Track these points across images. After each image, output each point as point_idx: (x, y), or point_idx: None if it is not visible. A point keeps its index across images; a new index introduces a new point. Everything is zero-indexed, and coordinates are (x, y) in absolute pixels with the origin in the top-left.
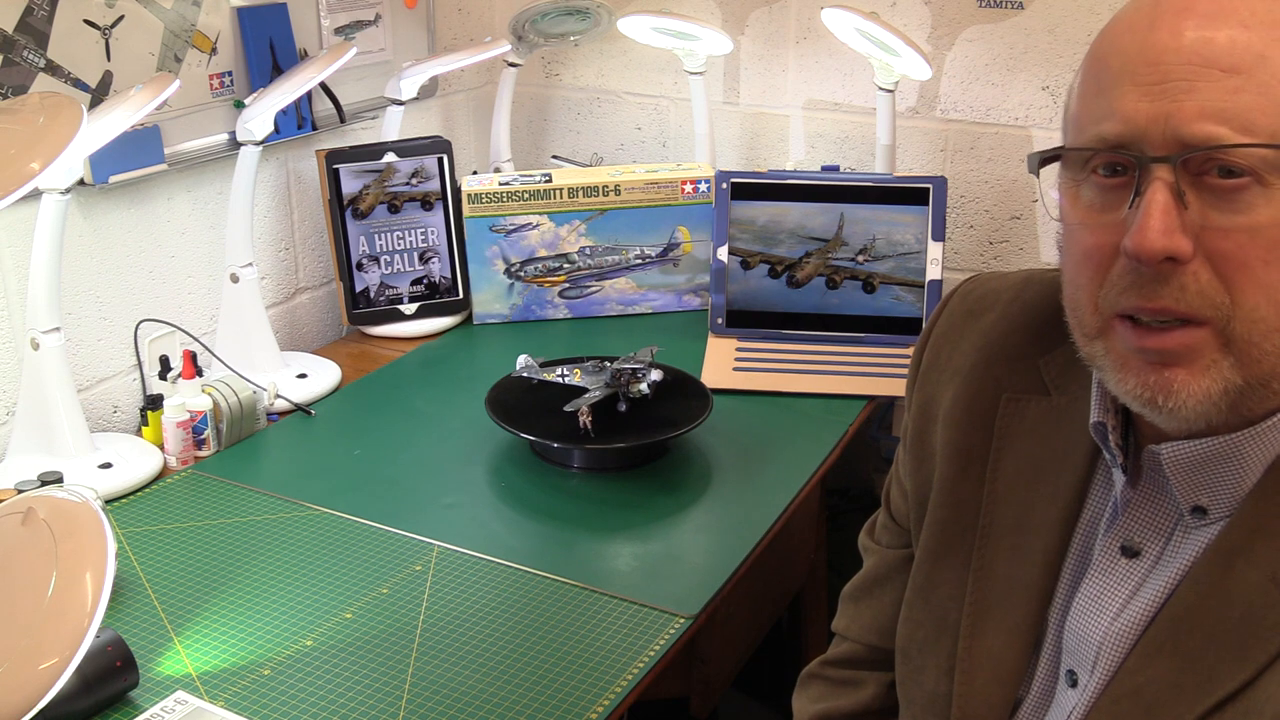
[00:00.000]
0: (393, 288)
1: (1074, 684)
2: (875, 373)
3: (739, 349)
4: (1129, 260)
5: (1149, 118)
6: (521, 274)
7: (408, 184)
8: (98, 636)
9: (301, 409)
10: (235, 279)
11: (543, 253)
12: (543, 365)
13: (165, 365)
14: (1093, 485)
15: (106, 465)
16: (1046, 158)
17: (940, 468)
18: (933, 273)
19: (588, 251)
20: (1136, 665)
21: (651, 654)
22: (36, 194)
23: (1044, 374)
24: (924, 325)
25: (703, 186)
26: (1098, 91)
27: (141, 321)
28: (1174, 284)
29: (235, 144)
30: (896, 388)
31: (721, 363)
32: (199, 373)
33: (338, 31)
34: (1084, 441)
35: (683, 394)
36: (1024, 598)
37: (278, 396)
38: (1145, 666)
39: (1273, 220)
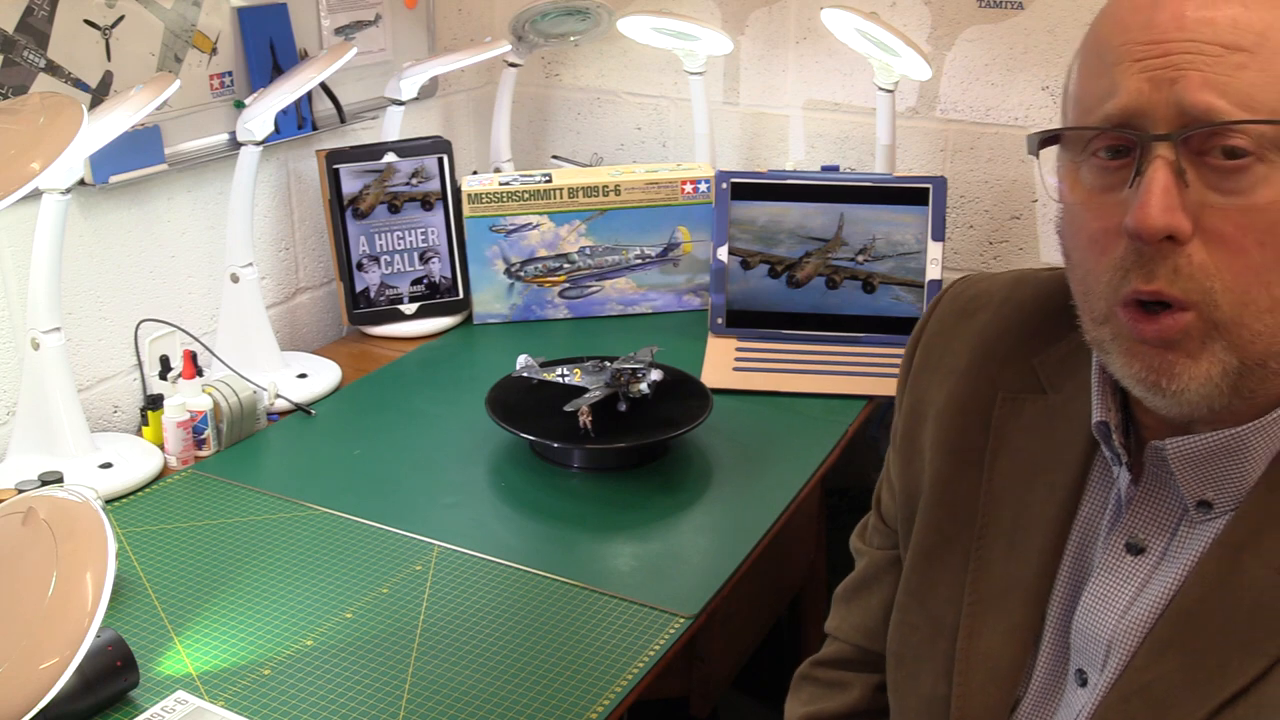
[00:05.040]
0: (393, 288)
1: (1084, 683)
2: (875, 373)
3: (739, 349)
4: (1130, 239)
5: (1151, 95)
6: (522, 274)
7: (408, 184)
8: (98, 636)
9: (301, 409)
10: (235, 279)
11: (543, 253)
12: (543, 365)
13: (165, 365)
14: (1089, 482)
15: (107, 465)
16: (1046, 138)
17: (933, 468)
18: (933, 273)
19: (588, 251)
20: (1145, 662)
21: (651, 654)
22: (37, 194)
23: (1039, 372)
24: (915, 326)
25: (703, 186)
26: (1100, 71)
27: (142, 321)
28: (1169, 265)
29: (235, 144)
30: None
31: (721, 363)
32: (199, 373)
33: (338, 31)
34: (1081, 439)
35: (683, 394)
36: (1022, 597)
37: (278, 396)
38: (1154, 663)
39: (1272, 201)
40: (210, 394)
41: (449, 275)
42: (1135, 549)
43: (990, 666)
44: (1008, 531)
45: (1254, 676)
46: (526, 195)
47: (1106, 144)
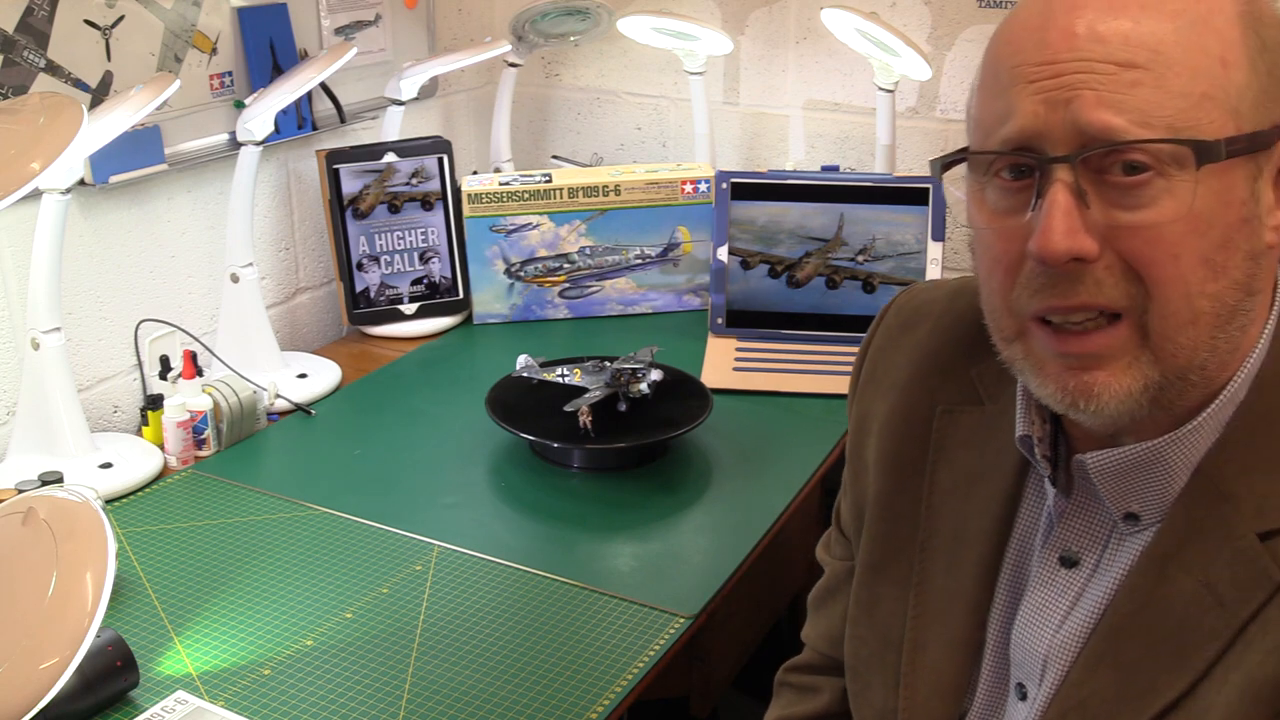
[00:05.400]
0: (393, 288)
1: (1024, 697)
2: None
3: (739, 349)
4: (1036, 263)
5: (1047, 117)
6: (522, 274)
7: (408, 184)
8: (98, 636)
9: (301, 409)
10: (235, 279)
11: (543, 253)
12: (543, 365)
13: (165, 365)
14: (1025, 494)
15: (107, 465)
16: (948, 162)
17: (875, 481)
18: (933, 273)
19: (588, 251)
20: (1080, 677)
21: (651, 654)
22: (37, 194)
23: (977, 384)
24: (863, 340)
25: (703, 186)
26: (996, 93)
27: (142, 321)
28: (1088, 280)
29: (235, 144)
30: None
31: (721, 363)
32: (199, 373)
33: (338, 31)
34: (1015, 450)
35: (683, 394)
36: (963, 610)
37: (278, 396)
38: (1089, 679)
39: (1176, 214)
40: (210, 394)
41: (449, 275)
42: (1069, 562)
43: (934, 680)
44: (948, 544)
45: (1182, 691)
46: (526, 195)
47: (1007, 164)
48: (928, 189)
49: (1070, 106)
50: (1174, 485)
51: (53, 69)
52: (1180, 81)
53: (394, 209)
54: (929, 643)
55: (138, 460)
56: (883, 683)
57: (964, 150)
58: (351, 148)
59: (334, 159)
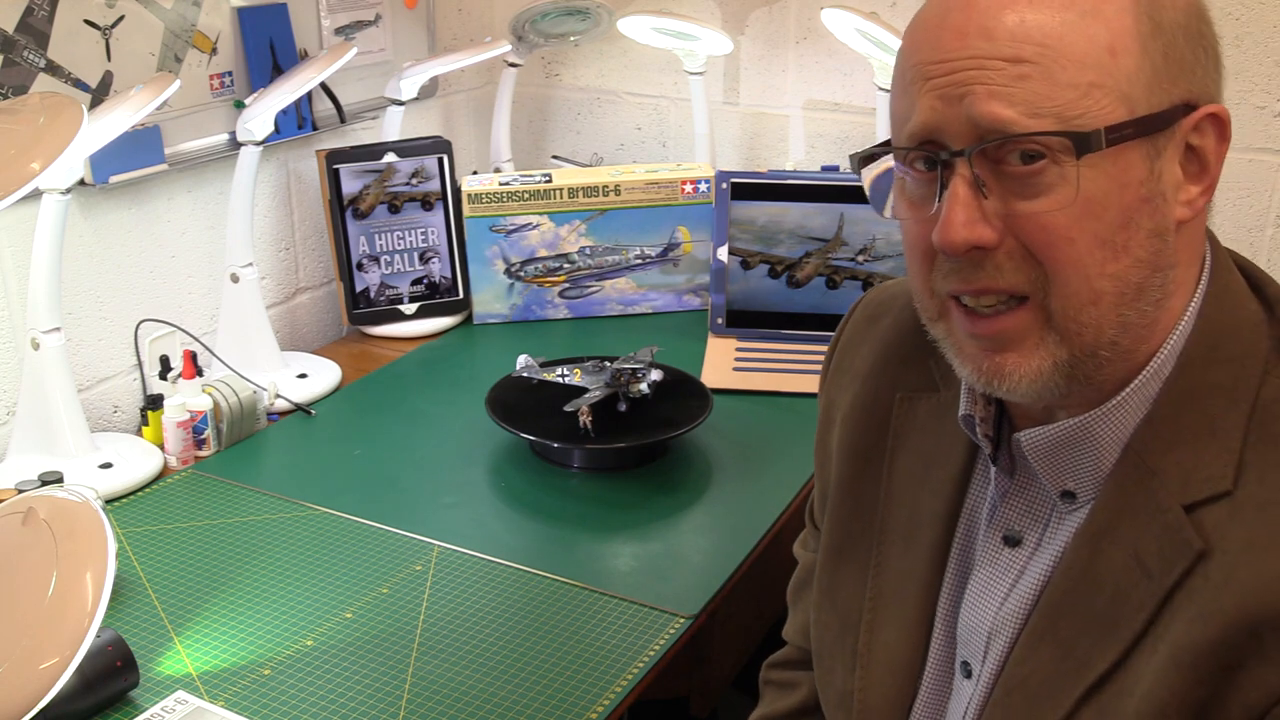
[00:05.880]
0: (393, 288)
1: (969, 675)
2: None
3: (739, 349)
4: (941, 253)
5: (944, 112)
6: (522, 274)
7: (408, 184)
8: (98, 636)
9: (301, 409)
10: (235, 279)
11: (543, 253)
12: (543, 365)
13: (165, 365)
14: (974, 475)
15: (107, 465)
16: (865, 157)
17: (838, 468)
18: None
19: (588, 251)
20: (1022, 655)
21: (651, 654)
22: (37, 194)
23: (934, 371)
24: (833, 335)
25: (703, 186)
26: (903, 90)
27: (142, 321)
28: (989, 267)
29: (235, 144)
30: None
31: (721, 363)
32: (199, 373)
33: (338, 31)
34: (964, 433)
35: (683, 394)
36: (915, 591)
37: (278, 396)
38: (1029, 656)
39: (1069, 198)
40: (210, 394)
41: (449, 275)
42: (1012, 541)
43: (888, 660)
44: (904, 527)
45: (1113, 662)
46: (526, 195)
47: (919, 158)
48: None
49: (964, 102)
50: (1105, 462)
51: (53, 69)
52: (1067, 73)
53: (394, 209)
54: (883, 625)
55: (138, 460)
56: (843, 665)
57: (878, 146)
58: (351, 148)
59: (334, 159)
